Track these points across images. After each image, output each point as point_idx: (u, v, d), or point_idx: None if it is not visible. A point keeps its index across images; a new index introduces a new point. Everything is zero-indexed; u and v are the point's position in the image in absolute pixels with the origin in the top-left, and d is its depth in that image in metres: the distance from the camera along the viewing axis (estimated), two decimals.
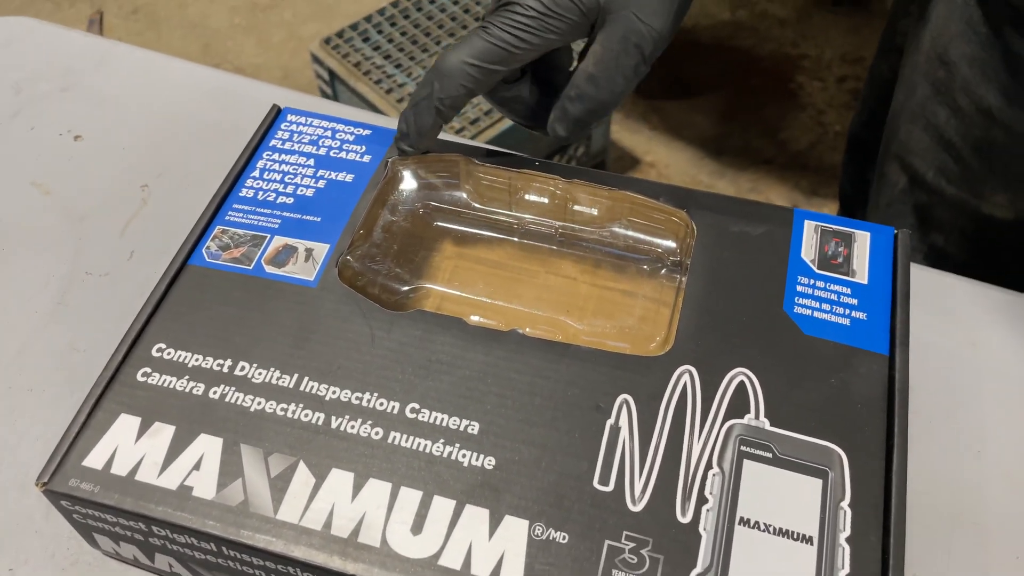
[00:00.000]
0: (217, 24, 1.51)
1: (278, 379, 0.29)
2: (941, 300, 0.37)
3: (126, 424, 0.28)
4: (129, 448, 0.27)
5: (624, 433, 0.27)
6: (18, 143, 0.43)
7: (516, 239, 0.35)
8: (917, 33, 0.47)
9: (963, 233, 0.49)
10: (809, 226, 0.32)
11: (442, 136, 0.36)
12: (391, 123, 0.36)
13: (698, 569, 0.25)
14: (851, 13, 1.47)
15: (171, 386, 0.29)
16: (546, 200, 0.35)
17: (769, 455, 0.27)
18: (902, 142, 0.50)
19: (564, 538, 0.25)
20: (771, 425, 0.27)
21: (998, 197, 0.46)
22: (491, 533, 0.26)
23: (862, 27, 1.45)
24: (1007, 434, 0.33)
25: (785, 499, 0.26)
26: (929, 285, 0.37)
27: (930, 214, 0.50)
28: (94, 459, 0.27)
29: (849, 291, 0.31)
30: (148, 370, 0.29)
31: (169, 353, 0.30)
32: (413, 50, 1.10)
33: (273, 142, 0.36)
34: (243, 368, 0.29)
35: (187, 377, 0.29)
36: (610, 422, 0.28)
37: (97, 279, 0.38)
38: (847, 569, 0.25)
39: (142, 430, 0.28)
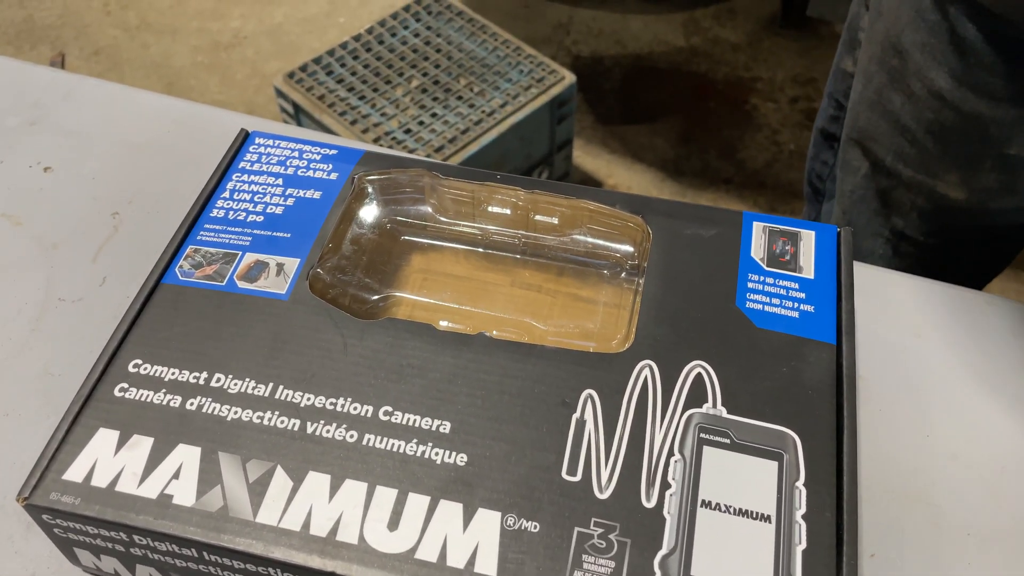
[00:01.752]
0: (180, 63, 1.52)
1: (253, 389, 0.30)
2: (886, 295, 0.39)
3: (105, 438, 0.29)
4: (108, 461, 0.28)
5: (589, 426, 0.29)
6: None
7: (481, 250, 0.37)
8: (873, 26, 0.50)
9: (921, 214, 0.51)
10: (757, 227, 0.34)
11: (405, 154, 0.37)
12: (356, 144, 0.38)
13: (664, 550, 0.26)
14: (800, 37, 1.53)
15: (148, 400, 0.29)
16: (508, 211, 0.36)
17: (727, 441, 0.28)
18: (862, 129, 0.52)
19: (535, 527, 0.27)
20: (728, 413, 0.29)
21: (951, 176, 0.48)
22: (465, 526, 0.27)
23: (811, 50, 1.50)
24: (952, 417, 0.35)
25: (743, 481, 0.27)
26: (874, 282, 0.39)
27: (890, 197, 0.52)
28: (74, 472, 0.28)
29: (797, 286, 0.32)
30: (125, 385, 0.30)
31: (145, 368, 0.30)
32: (376, 82, 1.11)
33: (242, 164, 0.37)
34: (219, 380, 0.30)
35: (164, 390, 0.30)
36: (576, 416, 0.29)
37: (70, 305, 0.39)
38: (804, 544, 0.26)
39: (121, 443, 0.29)
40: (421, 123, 1.07)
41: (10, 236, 0.42)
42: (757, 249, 0.33)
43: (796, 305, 0.32)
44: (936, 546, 0.32)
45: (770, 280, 0.32)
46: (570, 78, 1.10)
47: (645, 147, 1.37)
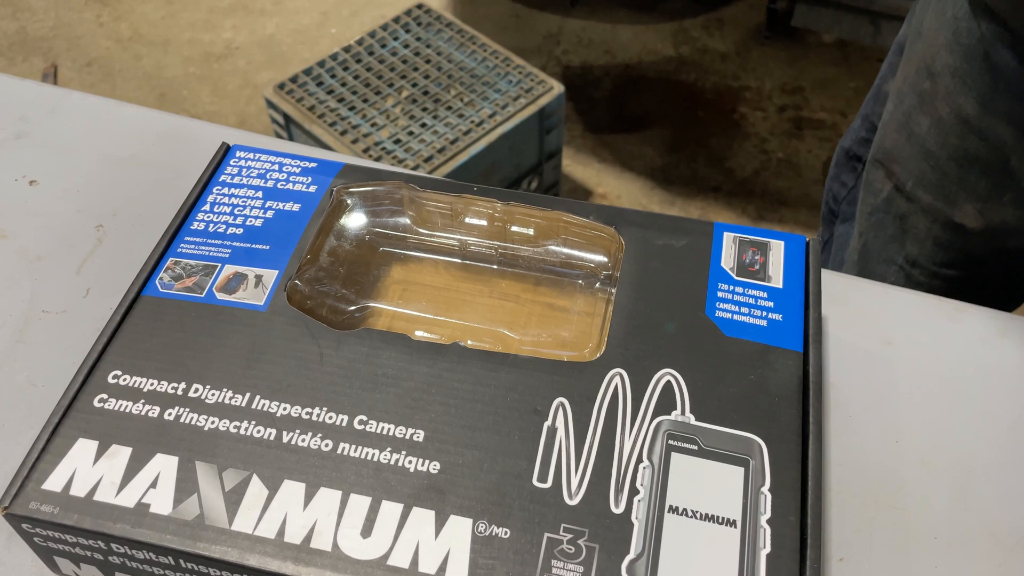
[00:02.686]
0: (172, 74, 1.53)
1: (230, 399, 0.30)
2: (856, 303, 0.40)
3: (84, 448, 0.29)
4: (87, 470, 0.29)
5: (560, 433, 0.29)
6: None
7: (459, 260, 0.37)
8: (912, 47, 0.50)
9: (936, 243, 0.51)
10: (728, 237, 0.35)
11: (384, 167, 0.38)
12: (336, 156, 0.38)
13: (631, 555, 0.27)
14: (788, 46, 1.54)
15: (127, 410, 0.30)
16: (485, 223, 0.37)
17: (695, 447, 0.29)
18: (887, 150, 0.52)
19: (506, 533, 0.27)
20: (696, 420, 0.29)
21: (969, 207, 0.48)
22: (437, 532, 0.27)
23: (799, 59, 1.52)
24: (922, 424, 0.36)
25: (710, 487, 0.28)
26: (845, 290, 0.40)
27: (907, 223, 0.52)
28: (53, 482, 0.28)
29: (765, 295, 0.33)
30: (104, 396, 0.30)
31: (125, 379, 0.31)
32: (366, 93, 1.12)
33: (223, 177, 0.37)
34: (196, 390, 0.30)
35: (143, 401, 0.30)
36: (547, 424, 0.29)
37: (54, 317, 0.39)
38: (768, 548, 0.27)
39: (99, 452, 0.29)
40: (411, 133, 1.08)
41: None
42: (727, 259, 0.34)
43: (764, 314, 0.32)
44: (904, 549, 0.32)
45: (739, 289, 0.33)
46: (558, 88, 1.11)
47: (634, 156, 1.38)
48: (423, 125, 1.08)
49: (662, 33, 1.58)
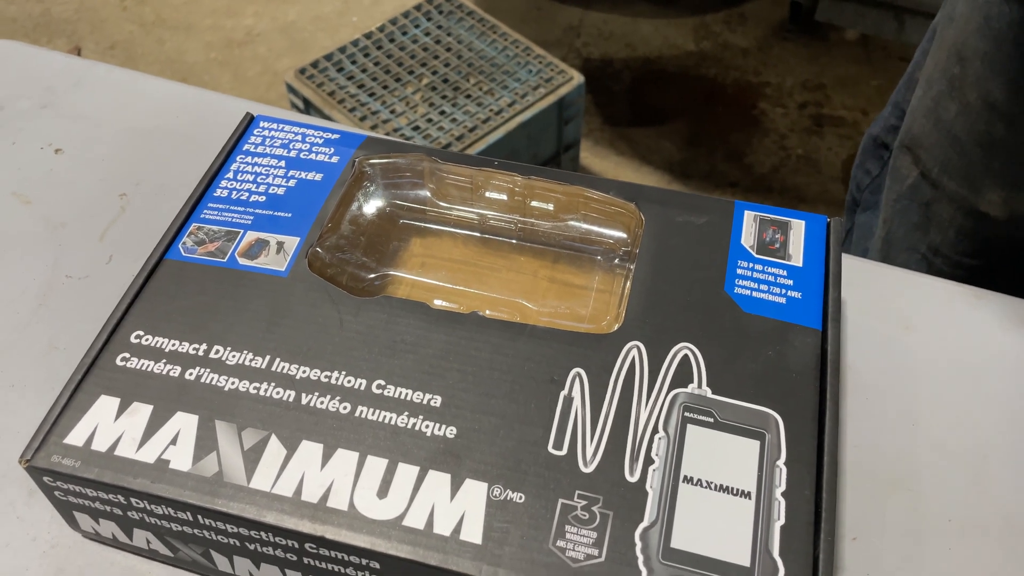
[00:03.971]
0: (193, 59, 1.54)
1: (251, 361, 0.30)
2: (876, 288, 0.39)
3: (106, 405, 0.30)
4: (109, 426, 0.29)
5: (577, 403, 0.29)
6: (0, 157, 0.45)
7: (478, 234, 0.37)
8: (943, 32, 0.50)
9: (959, 232, 0.51)
10: (748, 215, 0.35)
11: (405, 140, 0.38)
12: (358, 130, 0.39)
13: (645, 523, 0.27)
14: (810, 43, 1.53)
15: (149, 369, 0.30)
16: (505, 197, 0.37)
17: (711, 420, 0.29)
18: (915, 136, 0.52)
19: (521, 498, 0.27)
20: (713, 393, 0.30)
21: (994, 195, 0.48)
22: (452, 495, 0.27)
23: (821, 56, 1.51)
24: (940, 408, 0.35)
25: (725, 459, 0.28)
26: (865, 274, 0.40)
27: (932, 211, 0.52)
28: (75, 437, 0.29)
29: (785, 273, 0.33)
30: (127, 355, 0.31)
31: (147, 339, 0.31)
32: (386, 79, 1.13)
33: (246, 146, 0.38)
34: (217, 351, 0.31)
35: (164, 361, 0.31)
36: (564, 393, 0.29)
37: (77, 282, 0.40)
38: (783, 520, 0.27)
39: (121, 410, 0.29)
40: (430, 120, 1.08)
41: (19, 215, 0.43)
42: (747, 237, 0.34)
43: (784, 292, 0.32)
44: (917, 531, 0.32)
45: (759, 267, 0.33)
46: (578, 78, 1.11)
47: (652, 149, 1.38)
48: (442, 112, 1.09)
49: (683, 28, 1.57)
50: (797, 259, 0.33)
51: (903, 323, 0.38)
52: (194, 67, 1.52)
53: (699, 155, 1.37)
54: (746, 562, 0.26)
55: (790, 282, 0.33)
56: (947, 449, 0.34)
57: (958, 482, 0.33)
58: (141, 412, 0.29)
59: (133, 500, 0.28)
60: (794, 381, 0.30)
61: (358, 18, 1.61)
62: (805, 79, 1.47)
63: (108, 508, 0.29)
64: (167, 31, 1.59)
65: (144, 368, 0.30)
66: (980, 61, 0.45)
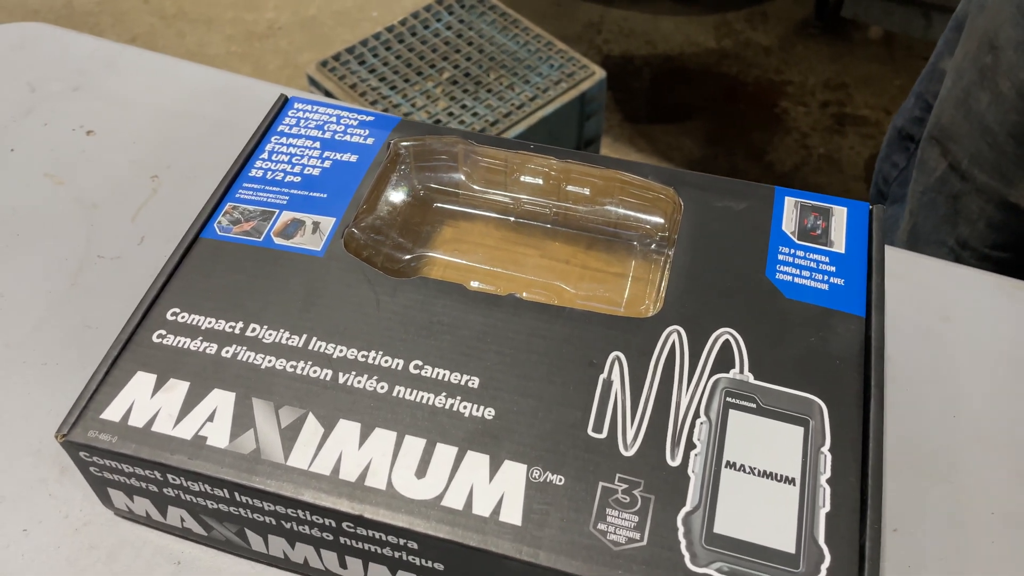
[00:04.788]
0: (214, 51, 1.54)
1: (287, 339, 0.30)
2: (914, 278, 0.39)
3: (142, 381, 0.29)
4: (145, 402, 0.29)
5: (616, 386, 0.29)
6: (33, 138, 0.45)
7: (512, 219, 0.37)
8: (973, 22, 0.49)
9: (989, 224, 0.50)
10: (789, 202, 0.34)
11: (434, 123, 0.38)
12: (381, 106, 0.38)
13: (688, 507, 0.26)
14: (833, 42, 1.52)
15: (185, 346, 0.30)
16: (541, 181, 0.37)
17: (753, 405, 0.28)
18: (944, 127, 0.51)
19: (560, 480, 0.27)
20: (755, 379, 0.29)
21: None
22: (491, 476, 0.27)
23: (843, 55, 1.50)
24: (981, 401, 0.35)
25: (769, 445, 0.28)
26: (904, 265, 0.39)
27: (960, 203, 0.51)
28: (112, 412, 0.29)
29: (827, 259, 0.32)
30: (163, 332, 0.31)
31: (183, 317, 0.31)
32: (408, 73, 1.12)
33: (281, 127, 0.37)
34: (254, 329, 0.30)
35: (200, 338, 0.30)
36: (603, 376, 0.29)
37: (109, 262, 0.40)
38: (828, 507, 0.26)
39: (158, 386, 0.29)
40: (451, 114, 1.08)
41: (52, 195, 0.43)
42: (788, 223, 0.34)
43: (826, 278, 0.32)
44: (959, 524, 0.32)
45: (800, 253, 0.33)
46: (600, 74, 1.11)
47: (672, 147, 1.37)
48: (463, 106, 1.08)
49: (704, 25, 1.57)
50: (839, 246, 0.33)
51: (941, 314, 0.38)
52: (214, 60, 1.52)
53: (719, 153, 1.37)
54: (791, 548, 0.26)
55: (832, 268, 0.32)
56: (988, 442, 0.34)
57: (1000, 475, 0.33)
58: (178, 389, 0.29)
59: (170, 476, 0.28)
60: (838, 368, 0.29)
61: (378, 13, 1.61)
62: (827, 78, 1.46)
63: (143, 485, 0.29)
64: (188, 24, 1.59)
65: (181, 345, 0.30)
66: (1013, 50, 0.44)
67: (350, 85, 1.10)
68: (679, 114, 1.42)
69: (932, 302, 0.38)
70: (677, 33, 1.55)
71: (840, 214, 0.34)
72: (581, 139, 1.16)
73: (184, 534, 0.31)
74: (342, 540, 0.28)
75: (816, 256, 0.32)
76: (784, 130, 1.39)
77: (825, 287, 0.32)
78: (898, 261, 0.39)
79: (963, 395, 0.35)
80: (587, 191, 0.36)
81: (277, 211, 0.34)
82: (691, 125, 1.41)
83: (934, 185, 0.52)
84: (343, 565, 0.29)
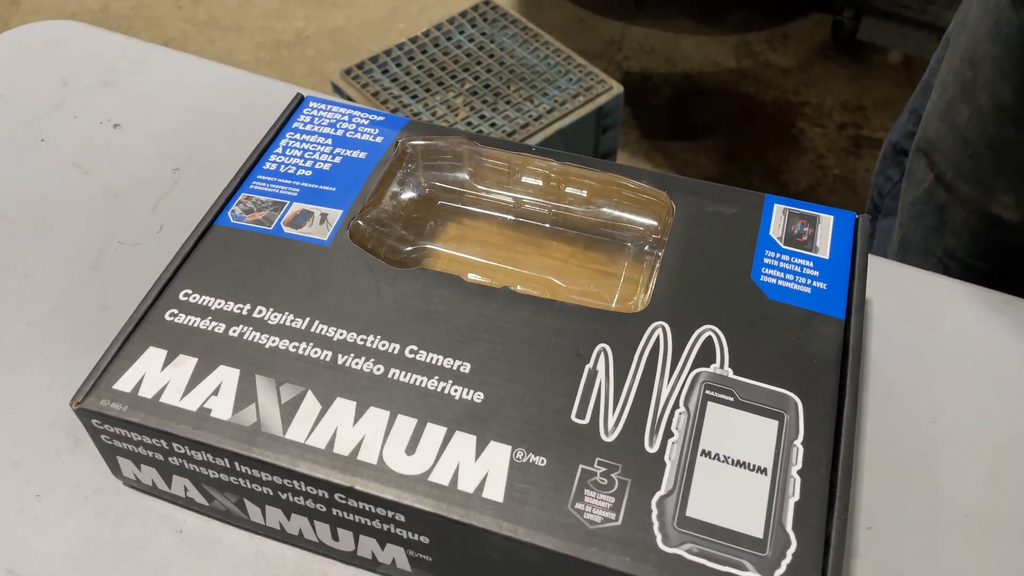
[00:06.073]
0: (243, 58, 1.58)
1: (291, 321, 0.32)
2: (905, 289, 0.40)
3: (153, 355, 0.31)
4: (155, 375, 0.31)
5: (601, 376, 0.30)
6: (62, 129, 0.47)
7: (512, 218, 0.38)
8: (957, 38, 0.51)
9: (973, 235, 0.51)
10: (778, 209, 0.36)
11: (447, 125, 0.40)
12: (402, 115, 0.40)
13: (662, 491, 0.28)
14: (851, 64, 1.53)
15: (195, 325, 0.32)
16: (541, 182, 0.38)
17: (731, 399, 0.30)
18: (930, 140, 0.52)
19: (543, 462, 0.28)
20: (734, 374, 0.30)
21: (1007, 197, 0.48)
22: (477, 455, 0.28)
23: (861, 77, 1.50)
24: (961, 407, 0.36)
25: (744, 436, 0.29)
26: (894, 276, 0.40)
27: (946, 214, 0.52)
28: (124, 383, 0.30)
29: (811, 264, 0.34)
30: (175, 311, 0.32)
31: (195, 297, 0.33)
32: (429, 83, 1.15)
33: (295, 124, 0.39)
34: (260, 311, 0.32)
35: (210, 318, 0.32)
36: (588, 366, 0.30)
37: (128, 248, 0.42)
38: (797, 496, 0.27)
39: (167, 361, 0.31)
40: (469, 124, 1.10)
41: (78, 183, 0.45)
42: (776, 228, 0.35)
43: (809, 282, 0.33)
44: (933, 524, 0.33)
45: (786, 257, 0.34)
46: (617, 88, 1.12)
47: (689, 163, 1.39)
48: (482, 117, 1.10)
49: (725, 45, 1.58)
50: (824, 252, 0.34)
51: (928, 324, 0.39)
52: (243, 66, 1.55)
53: (735, 171, 1.38)
54: (759, 534, 0.27)
55: (816, 273, 0.33)
56: (966, 446, 0.35)
57: (976, 479, 0.34)
58: (186, 364, 0.31)
59: (175, 445, 0.30)
60: (815, 367, 0.31)
61: (404, 25, 1.64)
62: (845, 100, 1.47)
63: (150, 453, 0.31)
64: (219, 31, 1.63)
65: (191, 324, 0.32)
66: (991, 65, 0.46)
67: (372, 93, 1.13)
68: (696, 131, 1.44)
69: (920, 312, 0.39)
70: (697, 52, 1.57)
71: (827, 222, 0.35)
72: (597, 152, 1.18)
73: (187, 504, 0.33)
74: (334, 512, 0.29)
75: (801, 261, 0.34)
76: (800, 150, 1.40)
77: (808, 290, 0.33)
78: (888, 272, 0.41)
79: (944, 401, 0.36)
80: (584, 193, 0.38)
81: (288, 202, 0.36)
82: (708, 143, 1.42)
83: (922, 196, 0.53)
84: (335, 537, 0.31)
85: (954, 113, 0.49)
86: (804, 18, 1.61)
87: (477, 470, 0.28)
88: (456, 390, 0.30)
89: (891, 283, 0.40)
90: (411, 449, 0.29)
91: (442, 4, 1.66)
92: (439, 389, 0.30)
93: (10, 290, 0.40)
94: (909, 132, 0.60)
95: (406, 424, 0.29)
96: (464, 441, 0.29)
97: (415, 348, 0.31)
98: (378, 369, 0.30)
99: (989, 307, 0.39)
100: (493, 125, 1.09)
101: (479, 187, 0.39)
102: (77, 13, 1.66)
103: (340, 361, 0.31)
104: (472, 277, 0.36)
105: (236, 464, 0.29)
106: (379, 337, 0.31)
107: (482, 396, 0.30)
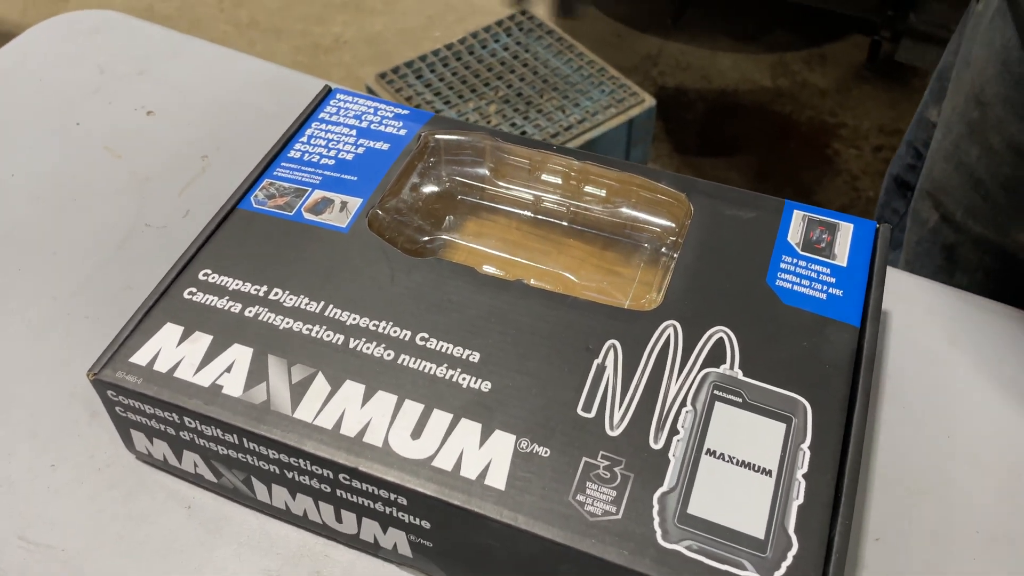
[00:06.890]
0: (280, 61, 1.60)
1: (306, 305, 0.32)
2: (925, 303, 0.39)
3: (170, 331, 0.32)
4: (171, 351, 0.31)
5: (609, 371, 0.30)
6: (97, 114, 0.48)
7: (531, 215, 0.39)
8: (959, 76, 0.50)
9: (987, 273, 0.51)
10: (797, 215, 0.35)
11: (469, 122, 0.40)
12: (427, 110, 0.40)
13: (664, 487, 0.27)
14: (890, 87, 1.51)
15: (212, 304, 0.32)
16: (560, 180, 0.38)
17: (739, 400, 0.30)
18: (936, 180, 0.52)
19: (546, 452, 0.28)
20: (744, 375, 0.30)
21: (1022, 236, 0.48)
22: (481, 443, 0.29)
23: (900, 101, 1.49)
24: (978, 422, 0.35)
25: (750, 437, 0.29)
26: (912, 289, 0.40)
27: (956, 254, 0.52)
28: (140, 357, 0.31)
29: (828, 271, 0.33)
30: (194, 290, 0.33)
31: (214, 277, 0.33)
32: (462, 89, 1.16)
33: (321, 115, 0.40)
34: (276, 294, 0.33)
35: (227, 298, 0.33)
36: (597, 361, 0.30)
37: (155, 231, 0.43)
38: (801, 500, 0.27)
39: (183, 337, 0.32)
40: None
41: (110, 167, 0.46)
42: (794, 234, 0.35)
43: (825, 288, 0.33)
44: (942, 538, 0.32)
45: (803, 263, 0.34)
46: (650, 101, 1.12)
47: (720, 180, 1.37)
48: (513, 125, 1.11)
49: (761, 64, 1.58)
50: (842, 259, 0.34)
51: (948, 338, 0.38)
52: None
53: (767, 189, 1.37)
54: (760, 535, 0.26)
55: (832, 280, 0.33)
56: (980, 463, 0.34)
57: (989, 496, 0.33)
58: (201, 341, 0.31)
59: (186, 420, 0.30)
60: (827, 372, 0.30)
61: (440, 33, 1.65)
62: (882, 123, 1.46)
63: (162, 427, 0.31)
64: (259, 33, 1.66)
65: (208, 302, 0.32)
66: (1002, 106, 0.45)
67: (406, 98, 1.14)
68: (729, 148, 1.43)
69: (940, 326, 0.39)
70: (734, 70, 1.56)
71: (846, 230, 0.35)
72: None
73: (196, 480, 0.33)
74: (338, 493, 0.30)
75: (817, 267, 0.33)
76: (834, 171, 1.39)
77: (823, 296, 0.33)
78: (907, 284, 0.40)
79: (961, 417, 0.35)
80: (603, 192, 0.38)
81: (310, 189, 0.36)
82: (740, 160, 1.41)
83: (928, 236, 0.53)
84: (339, 519, 0.31)
85: (961, 153, 0.49)
86: (843, 39, 1.60)
87: (481, 457, 0.28)
88: (464, 378, 0.30)
89: (910, 295, 0.40)
90: (416, 434, 0.29)
91: (478, 14, 1.67)
92: (447, 376, 0.30)
93: (38, 266, 0.41)
94: (907, 164, 0.59)
95: (413, 409, 0.29)
96: (469, 428, 0.29)
97: (426, 335, 0.31)
98: (388, 354, 0.31)
99: (1010, 323, 0.39)
100: (524, 133, 1.09)
101: (499, 183, 0.39)
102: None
103: (352, 345, 0.31)
104: (487, 269, 0.36)
105: (245, 440, 0.30)
106: (391, 323, 0.32)
107: (490, 385, 0.30)
